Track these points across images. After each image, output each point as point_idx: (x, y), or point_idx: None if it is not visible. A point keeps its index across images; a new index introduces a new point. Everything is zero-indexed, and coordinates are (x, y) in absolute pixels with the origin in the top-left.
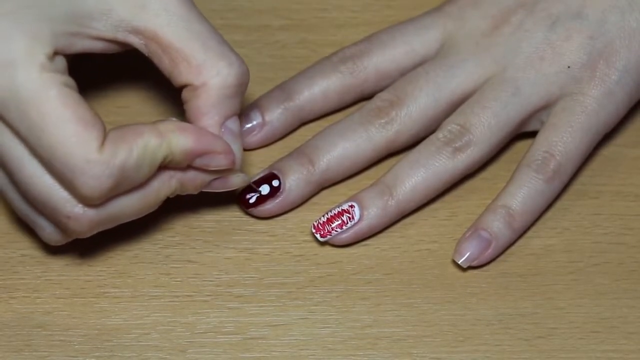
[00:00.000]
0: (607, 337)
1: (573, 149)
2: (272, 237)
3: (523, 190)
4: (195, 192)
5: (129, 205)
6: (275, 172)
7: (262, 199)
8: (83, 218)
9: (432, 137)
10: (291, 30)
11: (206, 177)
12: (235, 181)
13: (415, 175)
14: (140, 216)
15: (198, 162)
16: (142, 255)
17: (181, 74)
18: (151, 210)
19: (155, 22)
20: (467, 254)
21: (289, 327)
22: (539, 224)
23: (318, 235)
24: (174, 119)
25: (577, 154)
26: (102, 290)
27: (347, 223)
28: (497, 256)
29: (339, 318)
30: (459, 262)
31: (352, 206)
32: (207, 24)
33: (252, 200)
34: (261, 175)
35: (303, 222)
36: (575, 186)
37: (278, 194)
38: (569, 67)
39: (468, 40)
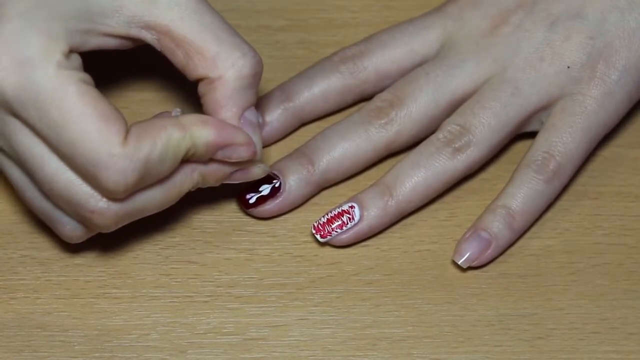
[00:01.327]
0: (607, 337)
1: (573, 150)
2: (272, 237)
3: (523, 191)
4: (217, 185)
5: (153, 199)
6: (276, 172)
7: (262, 200)
8: (108, 212)
9: (432, 137)
10: (291, 30)
11: (227, 169)
12: (256, 172)
13: (416, 176)
14: (162, 209)
15: (220, 155)
16: (143, 256)
17: (196, 67)
18: (173, 203)
19: (166, 17)
20: (467, 254)
21: (289, 327)
22: (539, 225)
23: (318, 236)
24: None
25: (577, 154)
26: (102, 291)
27: (348, 224)
28: (497, 257)
29: (339, 319)
30: (459, 263)
31: (352, 207)
32: (218, 16)
33: (252, 201)
34: None
35: (303, 223)
36: (575, 187)
37: (278, 194)
38: (568, 67)
39: (468, 40)
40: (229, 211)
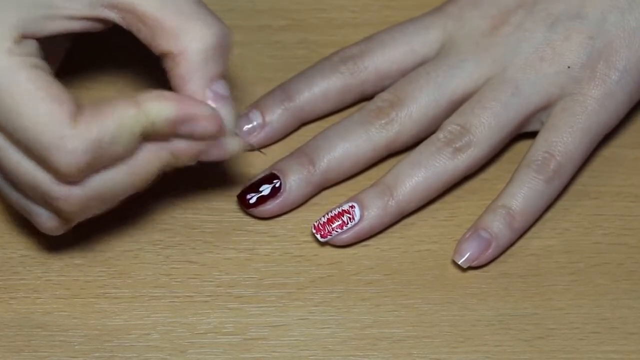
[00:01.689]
0: (607, 337)
1: (573, 150)
2: (272, 237)
3: (523, 191)
4: (193, 163)
5: (118, 180)
6: (276, 172)
7: (262, 199)
8: (71, 197)
9: (432, 137)
10: (291, 30)
11: (197, 146)
12: (231, 146)
13: (416, 176)
14: (135, 191)
15: (183, 130)
16: (143, 256)
17: (160, 43)
18: (147, 185)
19: None
20: (467, 254)
21: (289, 327)
22: (539, 225)
23: (318, 236)
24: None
25: (577, 154)
26: (102, 291)
27: (348, 223)
28: (497, 256)
29: (339, 319)
30: (459, 263)
31: (352, 206)
32: None
33: (252, 201)
34: (262, 175)
35: (303, 223)
36: (576, 187)
37: (279, 194)
38: (569, 67)
39: (468, 40)
40: (229, 211)
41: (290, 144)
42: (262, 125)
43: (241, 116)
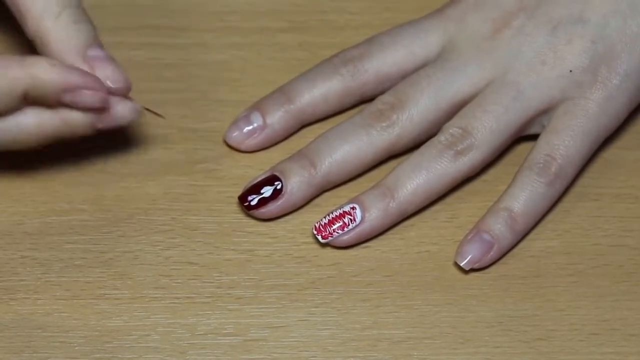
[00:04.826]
0: (607, 339)
1: (574, 153)
2: (272, 238)
3: (525, 193)
4: (90, 132)
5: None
6: (277, 174)
7: (263, 201)
8: None
9: (433, 140)
10: (291, 32)
11: (87, 116)
12: (123, 112)
13: (417, 178)
14: (24, 148)
15: (67, 99)
16: (143, 257)
17: (28, 24)
18: (36, 145)
19: None
20: (469, 256)
21: (289, 328)
22: (540, 226)
23: (319, 237)
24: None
25: (578, 157)
26: (102, 292)
27: (349, 225)
28: (499, 259)
29: (339, 320)
30: (461, 265)
31: (353, 208)
32: None
33: (253, 202)
34: (263, 177)
35: (304, 224)
36: (576, 188)
37: (280, 196)
38: (570, 71)
39: (469, 43)
40: (229, 212)
41: (290, 146)
42: (263, 127)
43: (242, 117)
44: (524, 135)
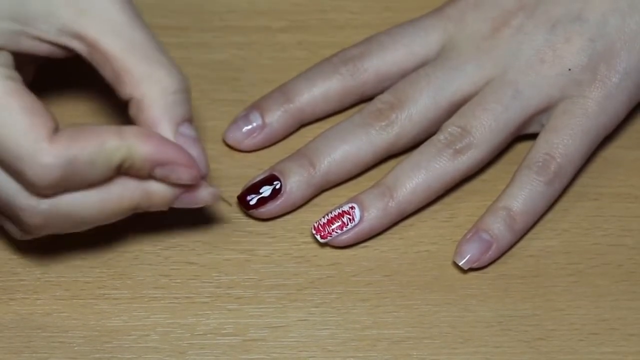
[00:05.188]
0: (607, 338)
1: (573, 151)
2: (272, 238)
3: (524, 192)
4: (165, 208)
5: (87, 205)
6: (276, 173)
7: (262, 201)
8: (36, 210)
9: (432, 139)
10: (291, 31)
11: (172, 191)
12: (204, 196)
13: (416, 177)
14: (104, 222)
15: (159, 173)
16: (142, 257)
17: (124, 86)
18: (115, 219)
19: (97, 29)
20: (468, 255)
21: (288, 328)
22: (539, 226)
23: (318, 237)
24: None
25: (578, 156)
26: (101, 292)
27: (348, 224)
28: (498, 258)
29: (339, 319)
30: (460, 264)
31: (352, 207)
32: (148, 33)
33: (253, 202)
34: (262, 177)
35: (303, 224)
36: (575, 188)
37: (279, 195)
38: (569, 69)
39: (468, 42)
40: (229, 212)
41: (290, 145)
42: (262, 127)
43: (241, 117)
44: (523, 135)
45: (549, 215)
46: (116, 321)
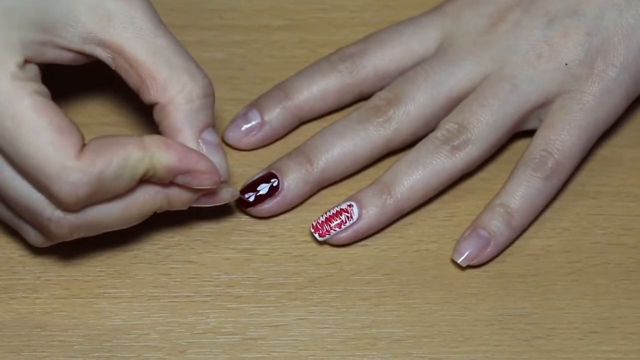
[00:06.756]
0: (606, 337)
1: (571, 147)
2: (271, 237)
3: (521, 189)
4: (184, 208)
5: (111, 214)
6: (274, 171)
7: (260, 199)
8: (64, 221)
9: (430, 135)
10: (290, 30)
11: (192, 194)
12: (224, 196)
13: (414, 174)
14: (126, 226)
15: (180, 180)
16: (142, 256)
17: (148, 91)
18: (137, 222)
19: (121, 36)
20: (466, 253)
21: (288, 327)
22: (538, 225)
23: (317, 235)
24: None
25: (575, 151)
26: (101, 291)
27: (346, 222)
28: (496, 255)
29: (338, 318)
30: (458, 261)
31: (350, 205)
32: (172, 38)
33: (250, 200)
34: (260, 174)
35: (302, 223)
36: (575, 186)
37: (277, 193)
38: (566, 64)
39: (466, 38)
40: (228, 211)
41: (288, 143)
42: (261, 125)
43: (240, 115)
44: (521, 132)
45: (549, 214)
46: (116, 320)
